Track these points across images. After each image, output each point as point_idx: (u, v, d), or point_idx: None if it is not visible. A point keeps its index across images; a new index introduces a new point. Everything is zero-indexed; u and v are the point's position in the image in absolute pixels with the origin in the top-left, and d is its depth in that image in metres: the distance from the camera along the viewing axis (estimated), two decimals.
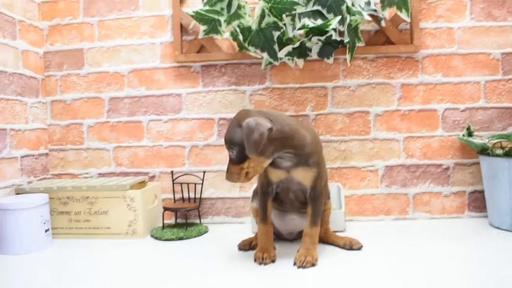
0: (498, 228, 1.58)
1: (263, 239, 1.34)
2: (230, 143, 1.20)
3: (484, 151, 1.63)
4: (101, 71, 1.85)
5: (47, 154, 1.89)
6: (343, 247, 1.40)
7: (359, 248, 1.38)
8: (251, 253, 1.39)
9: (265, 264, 1.27)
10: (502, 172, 1.52)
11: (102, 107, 1.86)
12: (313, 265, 1.23)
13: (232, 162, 1.22)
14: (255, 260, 1.29)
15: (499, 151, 1.61)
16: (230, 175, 1.22)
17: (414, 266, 1.21)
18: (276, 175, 1.31)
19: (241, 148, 1.18)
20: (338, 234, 1.54)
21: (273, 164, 1.28)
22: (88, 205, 1.63)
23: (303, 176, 1.28)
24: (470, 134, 1.70)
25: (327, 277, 1.16)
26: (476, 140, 1.62)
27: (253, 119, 1.15)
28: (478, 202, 1.75)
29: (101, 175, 1.88)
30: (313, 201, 1.29)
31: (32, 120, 1.80)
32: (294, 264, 1.25)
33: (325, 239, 1.46)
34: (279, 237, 1.51)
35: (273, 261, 1.29)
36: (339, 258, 1.31)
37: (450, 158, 1.75)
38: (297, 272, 1.20)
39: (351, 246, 1.39)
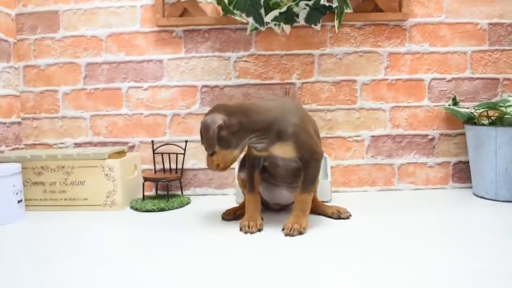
0: (482, 197, 1.58)
1: (250, 208, 1.31)
2: (200, 137, 1.28)
3: (470, 120, 1.62)
4: (77, 35, 1.76)
5: (19, 123, 1.79)
6: (331, 216, 1.38)
7: (348, 217, 1.36)
8: (236, 223, 1.35)
9: (251, 233, 1.24)
10: (489, 141, 1.51)
11: (78, 73, 1.77)
12: (300, 233, 1.21)
13: (207, 153, 1.28)
14: (240, 229, 1.26)
15: (485, 121, 1.61)
16: (207, 164, 1.30)
17: (400, 235, 1.20)
18: (258, 154, 1.30)
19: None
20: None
21: (251, 147, 1.31)
22: (64, 175, 1.56)
23: (283, 152, 1.25)
24: (455, 104, 1.69)
25: (314, 245, 1.14)
26: (462, 109, 1.61)
27: (208, 117, 1.22)
28: (462, 173, 1.76)
29: (77, 145, 1.80)
30: (304, 168, 1.25)
31: (3, 86, 1.70)
32: (283, 230, 1.22)
33: (313, 208, 1.43)
34: (265, 206, 1.48)
35: (259, 230, 1.26)
36: (327, 227, 1.29)
37: (435, 128, 1.74)
38: (283, 239, 1.17)
39: (339, 215, 1.37)
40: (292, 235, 1.20)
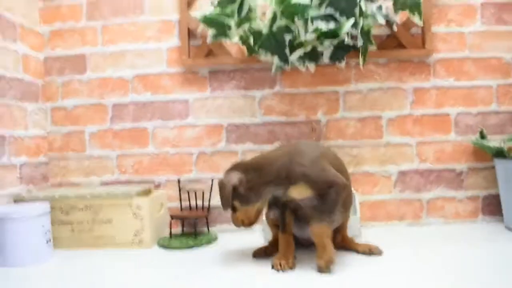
0: None
1: (283, 247, 1.30)
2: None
3: (499, 153, 1.61)
4: (104, 76, 1.80)
5: (47, 163, 1.82)
6: (362, 253, 1.36)
7: (379, 254, 1.34)
8: (266, 261, 1.33)
9: (283, 271, 1.23)
10: None
11: (105, 113, 1.80)
12: (328, 266, 1.20)
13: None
14: (272, 267, 1.25)
15: None
16: (233, 222, 1.35)
17: (431, 271, 1.17)
18: (282, 199, 1.33)
19: None
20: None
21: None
22: (91, 214, 1.57)
23: (298, 193, 1.27)
24: (483, 137, 1.67)
25: (345, 283, 1.12)
26: (491, 143, 1.60)
27: (223, 177, 1.29)
28: (492, 207, 1.73)
29: (104, 183, 1.81)
30: (322, 200, 1.24)
31: (32, 127, 1.74)
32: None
33: (343, 245, 1.42)
34: (296, 242, 1.49)
35: (291, 268, 1.25)
36: (358, 264, 1.27)
37: (463, 162, 1.72)
38: (315, 277, 1.16)
39: (370, 251, 1.35)
40: (324, 272, 1.20)
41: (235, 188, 1.27)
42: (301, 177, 1.24)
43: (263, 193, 1.28)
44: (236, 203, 1.29)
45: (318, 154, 1.28)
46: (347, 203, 1.35)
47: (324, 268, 1.20)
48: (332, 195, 1.23)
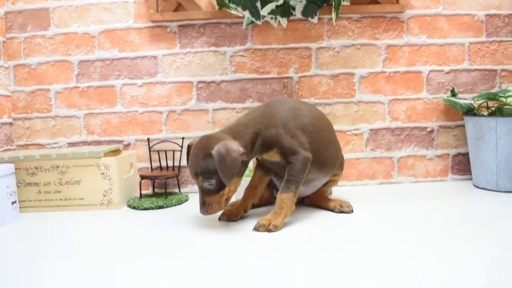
0: (483, 188, 1.57)
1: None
2: (205, 174, 1.15)
3: (469, 111, 1.61)
4: (69, 32, 1.72)
5: (11, 123, 1.75)
6: (333, 210, 1.36)
7: (349, 212, 1.34)
8: (235, 222, 1.32)
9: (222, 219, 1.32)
10: (489, 132, 1.50)
11: (70, 71, 1.73)
12: (268, 230, 1.17)
13: (208, 193, 1.17)
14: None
15: (485, 112, 1.60)
16: (210, 208, 1.19)
17: (401, 227, 1.18)
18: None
19: (218, 176, 1.14)
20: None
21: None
22: (58, 175, 1.52)
23: (270, 156, 1.26)
24: (454, 95, 1.68)
25: (312, 239, 1.12)
26: (462, 101, 1.60)
27: (222, 145, 1.13)
28: (461, 165, 1.75)
29: (71, 144, 1.76)
30: (288, 169, 1.23)
31: None
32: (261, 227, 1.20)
33: (316, 201, 1.41)
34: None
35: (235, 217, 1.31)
36: (327, 221, 1.27)
37: (434, 120, 1.73)
38: (282, 235, 1.15)
39: (341, 209, 1.34)
40: (258, 231, 1.18)
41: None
42: (275, 143, 1.23)
43: (247, 162, 1.24)
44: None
45: (290, 117, 1.25)
46: (330, 162, 1.33)
47: (262, 228, 1.18)
48: (296, 165, 1.22)
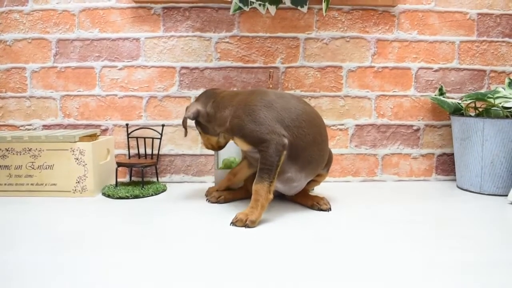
0: (467, 190, 1.55)
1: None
2: None
3: (457, 111, 1.58)
4: (47, 8, 1.64)
5: None
6: (311, 208, 1.32)
7: (327, 210, 1.30)
8: (212, 214, 1.27)
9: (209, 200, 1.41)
10: (475, 133, 1.48)
11: (48, 49, 1.65)
12: (245, 226, 1.14)
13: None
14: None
15: (472, 113, 1.58)
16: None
17: (381, 227, 1.15)
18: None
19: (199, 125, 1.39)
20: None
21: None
22: (30, 159, 1.45)
23: (240, 145, 1.26)
24: (442, 94, 1.65)
25: (287, 238, 1.08)
26: (449, 100, 1.57)
27: (190, 104, 1.38)
28: (445, 165, 1.73)
29: (46, 127, 1.69)
30: (259, 158, 1.19)
31: None
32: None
33: (295, 197, 1.37)
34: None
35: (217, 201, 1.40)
36: (304, 217, 1.24)
37: (421, 119, 1.70)
38: (261, 229, 1.11)
39: (319, 207, 1.30)
40: (235, 225, 1.15)
41: (194, 118, 1.34)
42: (236, 131, 1.22)
43: (218, 131, 1.34)
44: (199, 129, 1.39)
45: (261, 106, 1.21)
46: (313, 164, 1.27)
47: (239, 223, 1.15)
48: (267, 153, 1.17)
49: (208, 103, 1.33)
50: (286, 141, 1.18)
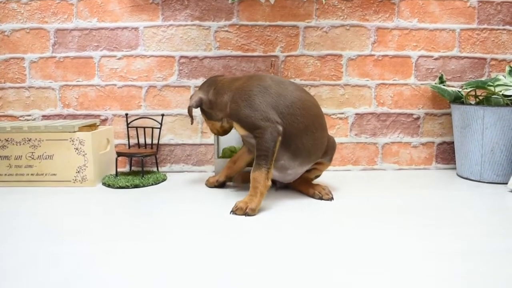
0: (467, 178, 1.55)
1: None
2: None
3: (457, 100, 1.58)
4: None
5: None
6: (312, 196, 1.32)
7: (329, 199, 1.30)
8: (211, 204, 1.27)
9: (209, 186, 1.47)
10: (476, 121, 1.48)
11: (46, 39, 1.65)
12: (245, 214, 1.14)
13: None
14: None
15: (472, 101, 1.57)
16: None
17: (382, 216, 1.16)
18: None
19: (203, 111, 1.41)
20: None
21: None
22: (30, 149, 1.45)
23: (238, 130, 1.27)
24: (442, 83, 1.64)
25: (289, 225, 1.08)
26: (450, 88, 1.56)
27: (194, 92, 1.41)
28: (446, 154, 1.72)
29: (45, 117, 1.68)
30: (255, 145, 1.20)
31: None
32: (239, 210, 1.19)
33: (296, 185, 1.38)
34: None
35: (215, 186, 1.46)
36: (305, 206, 1.24)
37: (421, 107, 1.69)
38: (260, 218, 1.11)
39: (321, 196, 1.30)
40: (235, 214, 1.16)
41: (198, 106, 1.37)
42: (234, 115, 1.24)
43: (219, 116, 1.35)
44: (204, 117, 1.41)
45: (257, 91, 1.21)
46: (304, 151, 1.26)
47: (239, 211, 1.15)
48: (262, 139, 1.17)
49: (210, 90, 1.35)
50: (280, 128, 1.19)
